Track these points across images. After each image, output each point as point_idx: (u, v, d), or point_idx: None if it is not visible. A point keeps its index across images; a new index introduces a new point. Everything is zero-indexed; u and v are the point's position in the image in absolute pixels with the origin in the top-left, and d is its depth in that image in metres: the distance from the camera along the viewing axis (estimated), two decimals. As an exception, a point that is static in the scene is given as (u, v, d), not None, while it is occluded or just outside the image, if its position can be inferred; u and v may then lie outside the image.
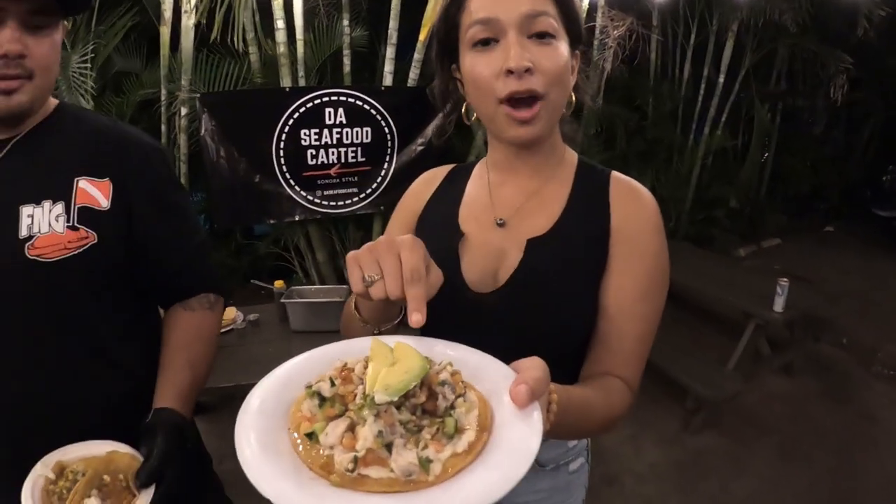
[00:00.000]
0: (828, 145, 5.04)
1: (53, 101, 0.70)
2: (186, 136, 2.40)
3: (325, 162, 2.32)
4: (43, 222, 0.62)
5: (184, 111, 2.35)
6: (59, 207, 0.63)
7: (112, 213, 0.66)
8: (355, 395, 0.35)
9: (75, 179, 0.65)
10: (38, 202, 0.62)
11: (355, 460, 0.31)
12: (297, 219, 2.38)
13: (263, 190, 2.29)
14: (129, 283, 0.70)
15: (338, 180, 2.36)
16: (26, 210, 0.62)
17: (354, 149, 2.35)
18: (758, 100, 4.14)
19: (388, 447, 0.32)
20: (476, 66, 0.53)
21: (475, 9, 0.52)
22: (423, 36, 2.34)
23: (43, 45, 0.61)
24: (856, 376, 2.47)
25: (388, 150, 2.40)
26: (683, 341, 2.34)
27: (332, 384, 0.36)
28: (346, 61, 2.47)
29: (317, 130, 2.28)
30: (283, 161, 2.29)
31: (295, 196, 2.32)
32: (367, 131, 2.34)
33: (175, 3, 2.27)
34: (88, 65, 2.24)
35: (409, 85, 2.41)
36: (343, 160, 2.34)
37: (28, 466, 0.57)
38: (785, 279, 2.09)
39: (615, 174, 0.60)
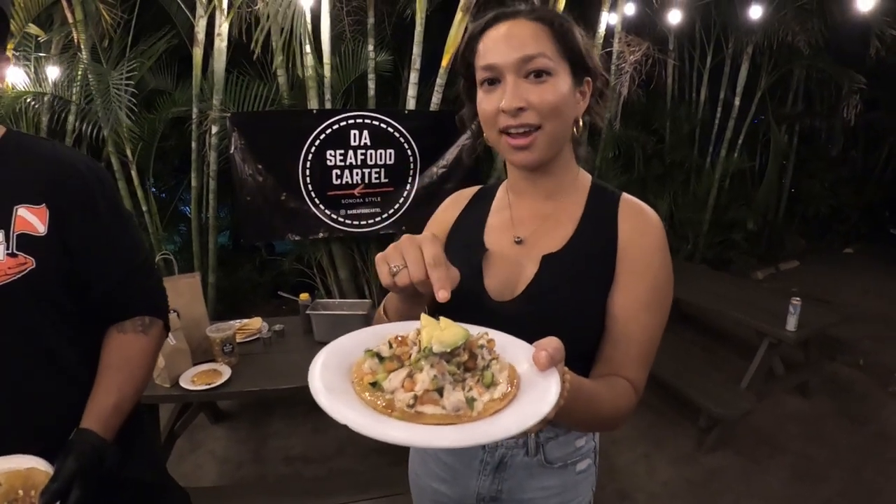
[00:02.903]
0: (845, 166, 5.13)
1: (0, 130, 0.74)
2: (216, 154, 2.58)
3: (350, 182, 2.49)
4: None
5: (214, 129, 2.54)
6: (0, 235, 0.67)
7: (48, 238, 0.70)
8: (410, 355, 0.46)
9: (14, 207, 0.69)
10: None
11: (415, 398, 0.41)
12: (320, 236, 2.54)
13: (289, 207, 2.45)
14: (69, 302, 0.74)
15: (361, 200, 2.53)
16: None
17: (378, 170, 2.52)
18: (774, 121, 4.28)
19: (439, 391, 0.42)
20: (482, 103, 0.64)
21: (481, 54, 0.63)
22: (445, 62, 2.52)
23: None
24: (873, 397, 2.53)
25: (411, 172, 2.57)
26: (698, 362, 2.43)
27: (391, 346, 0.47)
28: (371, 85, 2.66)
29: (342, 151, 2.46)
30: (308, 180, 2.46)
31: (319, 214, 2.49)
32: (390, 153, 2.51)
33: (208, 26, 2.47)
34: (130, 83, 2.44)
35: (431, 109, 2.58)
36: (367, 181, 2.51)
37: None
38: (797, 298, 2.17)
39: (625, 196, 0.69)
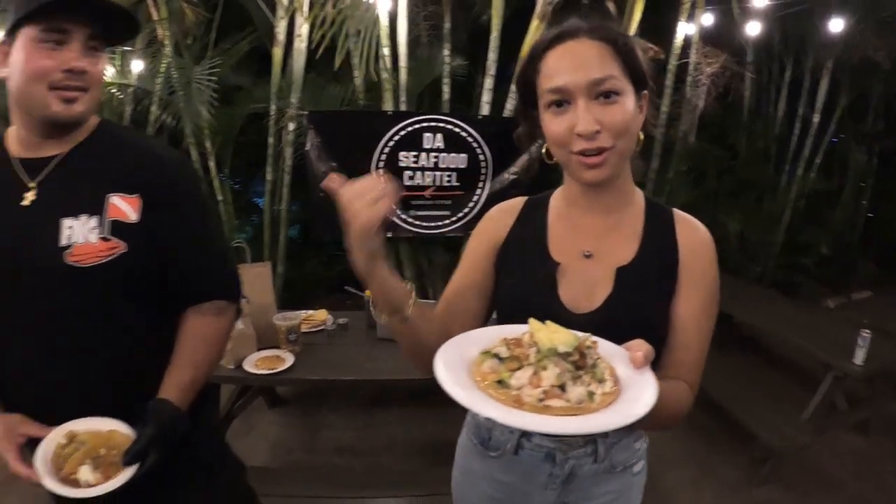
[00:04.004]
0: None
1: (95, 120, 0.82)
2: (292, 150, 2.68)
3: (421, 184, 2.54)
4: (80, 233, 0.74)
5: (291, 126, 2.64)
6: (94, 221, 0.75)
7: (140, 225, 0.77)
8: (528, 355, 0.51)
9: (107, 195, 0.76)
10: (76, 216, 0.75)
11: (544, 393, 0.47)
12: (388, 235, 2.59)
13: (360, 206, 2.51)
14: (154, 284, 0.81)
15: (431, 202, 2.57)
16: (66, 222, 0.74)
17: (450, 173, 2.55)
18: (853, 140, 4.07)
19: (561, 387, 0.48)
20: (551, 125, 0.65)
21: (548, 76, 0.63)
22: (519, 68, 2.54)
23: (97, 65, 0.75)
24: None
25: (482, 177, 2.59)
26: (757, 388, 2.36)
27: (508, 348, 0.53)
28: (446, 89, 2.70)
29: (415, 153, 2.51)
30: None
31: (388, 214, 2.53)
32: (462, 157, 2.54)
33: (288, 27, 2.59)
34: (213, 78, 2.58)
35: (505, 115, 2.60)
36: (438, 183, 2.55)
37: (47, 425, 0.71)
38: (867, 330, 2.05)
39: (676, 212, 0.74)
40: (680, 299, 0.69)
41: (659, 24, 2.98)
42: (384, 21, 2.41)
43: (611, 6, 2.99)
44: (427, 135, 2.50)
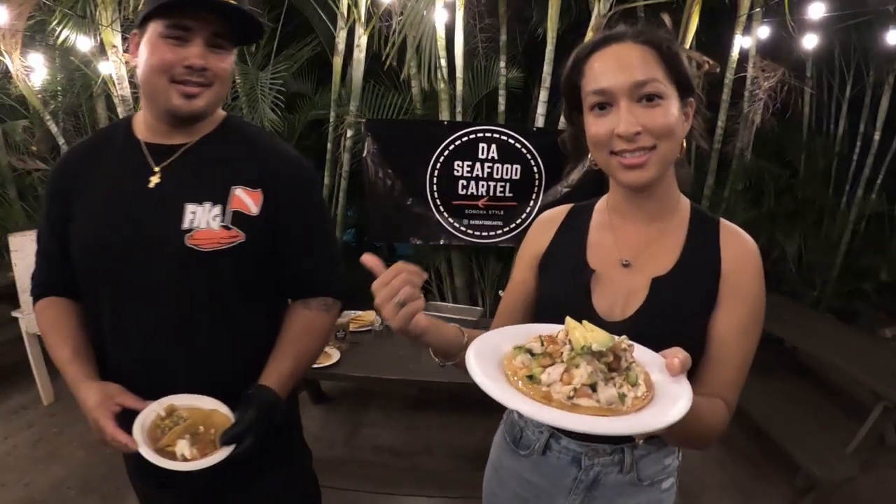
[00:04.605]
0: None
1: (222, 114, 0.86)
2: (349, 156, 2.78)
3: (475, 193, 2.59)
4: (202, 219, 0.77)
5: (349, 133, 2.74)
6: (217, 209, 0.78)
7: (260, 218, 0.80)
8: (562, 353, 0.50)
9: (232, 187, 0.79)
10: (200, 202, 0.78)
11: (574, 391, 0.46)
12: (441, 243, 2.66)
13: (414, 212, 2.59)
14: (264, 276, 0.84)
15: (484, 212, 2.61)
16: (190, 207, 0.77)
17: (503, 184, 2.59)
18: (917, 160, 3.88)
19: (592, 386, 0.47)
20: (592, 127, 0.66)
21: (592, 78, 0.65)
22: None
23: (221, 62, 0.77)
24: None
25: (535, 189, 2.62)
26: (805, 417, 2.28)
27: (542, 344, 0.52)
28: (501, 101, 2.75)
29: (469, 163, 2.56)
30: (435, 188, 2.59)
31: (442, 221, 2.60)
32: (516, 168, 2.57)
33: (348, 38, 2.69)
34: (277, 84, 2.71)
35: (559, 128, 2.63)
36: (491, 193, 2.60)
37: (151, 398, 0.74)
38: None
39: (723, 221, 0.72)
40: (720, 313, 0.67)
41: (715, 37, 2.95)
42: (441, 32, 2.49)
43: (666, 19, 2.98)
44: (482, 145, 2.55)
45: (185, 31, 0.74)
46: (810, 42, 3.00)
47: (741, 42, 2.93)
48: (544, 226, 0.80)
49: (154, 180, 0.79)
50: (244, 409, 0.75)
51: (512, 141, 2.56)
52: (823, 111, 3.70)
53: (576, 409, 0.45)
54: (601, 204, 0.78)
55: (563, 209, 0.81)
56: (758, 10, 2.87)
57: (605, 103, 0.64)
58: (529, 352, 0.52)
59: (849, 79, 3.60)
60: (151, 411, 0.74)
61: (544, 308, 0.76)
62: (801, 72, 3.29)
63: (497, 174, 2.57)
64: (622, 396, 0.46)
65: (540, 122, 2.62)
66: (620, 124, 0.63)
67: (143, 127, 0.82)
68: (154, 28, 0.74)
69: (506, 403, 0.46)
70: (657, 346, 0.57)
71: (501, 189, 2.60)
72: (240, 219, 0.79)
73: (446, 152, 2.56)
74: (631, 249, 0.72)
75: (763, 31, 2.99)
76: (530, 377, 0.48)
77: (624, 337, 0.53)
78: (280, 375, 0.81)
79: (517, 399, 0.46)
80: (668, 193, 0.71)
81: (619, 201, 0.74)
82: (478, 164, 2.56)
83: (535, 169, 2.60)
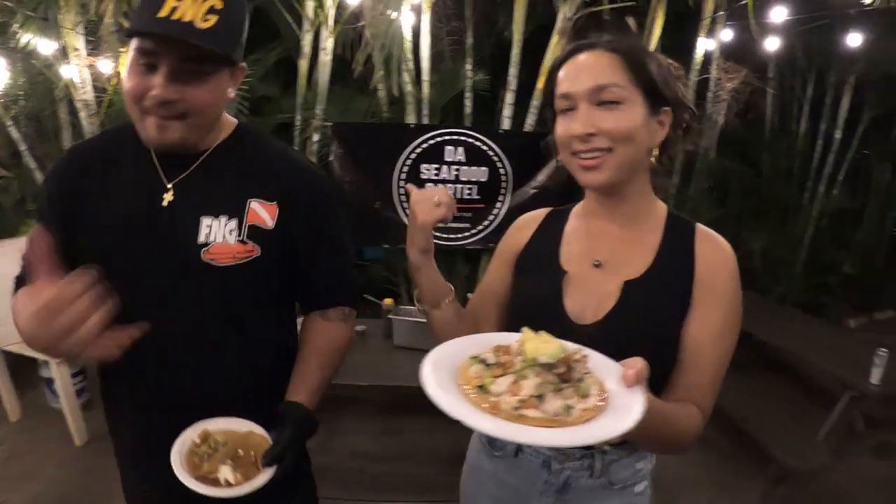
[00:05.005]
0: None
1: (233, 122, 0.82)
2: (316, 160, 2.75)
3: (442, 196, 2.58)
4: (218, 233, 0.75)
5: (316, 137, 2.72)
6: (233, 223, 0.76)
7: (275, 232, 0.78)
8: (514, 363, 0.51)
9: (248, 200, 0.77)
10: (216, 216, 0.76)
11: (520, 402, 0.47)
12: (408, 247, 2.63)
13: (382, 216, 2.57)
14: (279, 287, 0.83)
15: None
16: (206, 220, 0.75)
17: (471, 186, 2.60)
18: (876, 157, 4.02)
19: (540, 397, 0.47)
20: (558, 128, 0.69)
21: (560, 84, 0.69)
22: (540, 84, 2.58)
23: (196, 90, 0.69)
24: None
25: (503, 191, 2.63)
26: (776, 408, 2.33)
27: (496, 355, 0.53)
28: (468, 103, 2.76)
29: (436, 166, 2.56)
30: (402, 191, 2.58)
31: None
32: (483, 171, 2.58)
33: (314, 41, 2.68)
34: (242, 88, 2.67)
35: (526, 130, 2.65)
36: (459, 196, 2.60)
37: (178, 427, 0.71)
38: (884, 349, 2.03)
39: (699, 226, 0.72)
40: (694, 317, 0.67)
41: (680, 39, 3.01)
42: (408, 35, 2.49)
43: (631, 22, 3.03)
44: (449, 148, 2.55)
45: (151, 57, 0.67)
46: (773, 44, 3.09)
47: (705, 44, 3.00)
48: (522, 227, 0.83)
49: (167, 198, 0.76)
50: (280, 427, 0.74)
51: (479, 143, 2.57)
52: (786, 111, 3.80)
53: (522, 420, 0.46)
54: (578, 208, 0.79)
55: (542, 212, 0.83)
56: (721, 13, 2.94)
57: (569, 107, 0.68)
58: (483, 362, 0.52)
59: (810, 80, 3.71)
60: (186, 439, 0.71)
61: (517, 308, 0.77)
62: (763, 73, 3.38)
63: (464, 176, 2.57)
64: (568, 408, 0.47)
65: (506, 124, 2.64)
66: (574, 125, 0.66)
67: (131, 117, 0.77)
68: (132, 44, 0.69)
69: (451, 413, 0.46)
70: (628, 350, 0.57)
71: (469, 191, 2.60)
72: (256, 233, 0.77)
73: (413, 155, 2.55)
74: (604, 251, 0.73)
75: (726, 34, 3.06)
76: (481, 387, 0.49)
77: (580, 348, 0.54)
78: (309, 389, 0.80)
79: (462, 409, 0.46)
80: (639, 197, 0.72)
81: (592, 204, 0.76)
82: (445, 167, 2.56)
83: (502, 171, 2.61)
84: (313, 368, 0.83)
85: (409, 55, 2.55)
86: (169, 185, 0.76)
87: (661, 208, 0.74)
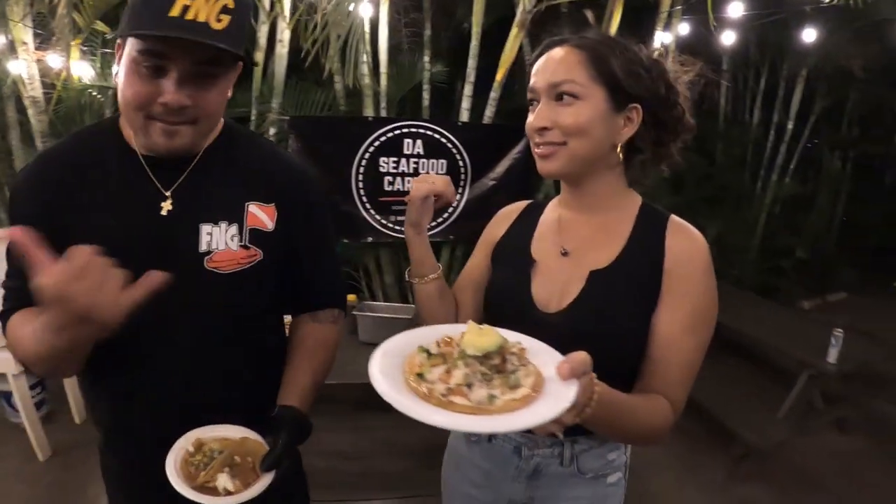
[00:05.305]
0: (901, 196, 5.03)
1: (221, 120, 0.79)
2: (272, 156, 2.70)
3: (401, 189, 2.57)
4: (220, 240, 0.74)
5: (272, 131, 2.66)
6: (234, 228, 0.75)
7: (275, 234, 0.77)
8: (453, 354, 0.54)
9: (246, 203, 0.76)
10: (215, 222, 0.74)
11: (448, 390, 0.50)
12: (369, 240, 2.62)
13: (341, 211, 2.54)
14: (281, 291, 0.82)
15: (411, 207, 2.60)
16: (205, 228, 0.73)
17: (430, 179, 2.59)
18: (827, 147, 4.21)
19: (469, 386, 0.50)
20: (527, 121, 0.73)
21: (531, 78, 0.72)
22: (499, 76, 2.59)
23: (208, 94, 0.67)
24: None
25: (462, 183, 2.63)
26: (737, 389, 2.44)
27: (438, 346, 0.56)
28: (426, 95, 2.74)
29: (395, 159, 2.54)
30: (361, 185, 2.55)
31: (370, 219, 2.57)
32: (442, 163, 2.58)
33: (270, 33, 2.62)
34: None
35: (484, 122, 2.66)
36: (418, 189, 2.59)
37: (174, 434, 0.70)
38: (839, 329, 2.13)
39: (673, 217, 0.72)
40: (662, 310, 0.67)
41: (637, 33, 3.07)
42: (366, 27, 2.46)
43: (589, 15, 3.07)
44: (407, 141, 2.54)
45: (160, 59, 0.63)
46: (728, 38, 3.18)
47: (661, 37, 3.06)
48: (502, 218, 0.86)
49: (166, 206, 0.72)
50: (276, 431, 0.72)
51: (437, 136, 2.57)
52: (739, 102, 3.94)
53: (450, 406, 0.48)
54: (555, 200, 0.82)
55: (522, 204, 0.87)
56: (678, 7, 3.01)
57: (533, 100, 0.72)
58: (427, 352, 0.55)
59: (763, 72, 3.84)
60: (179, 448, 0.69)
61: (489, 296, 0.80)
62: (717, 66, 3.48)
63: (423, 169, 2.56)
64: (491, 398, 0.49)
65: (465, 116, 2.64)
66: (534, 119, 0.70)
67: (129, 124, 0.72)
68: (131, 44, 0.64)
69: (383, 396, 0.49)
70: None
71: (428, 184, 2.60)
72: (257, 236, 0.76)
73: (371, 149, 2.53)
74: (572, 241, 0.74)
75: (683, 28, 3.13)
76: (420, 375, 0.52)
77: (519, 341, 0.56)
78: (302, 392, 0.79)
79: (392, 391, 0.49)
80: (607, 190, 0.73)
81: (565, 195, 0.78)
82: (403, 160, 2.55)
83: (461, 163, 2.61)
84: (304, 371, 0.81)
85: (367, 47, 2.52)
86: (167, 193, 0.73)
87: (635, 201, 0.75)
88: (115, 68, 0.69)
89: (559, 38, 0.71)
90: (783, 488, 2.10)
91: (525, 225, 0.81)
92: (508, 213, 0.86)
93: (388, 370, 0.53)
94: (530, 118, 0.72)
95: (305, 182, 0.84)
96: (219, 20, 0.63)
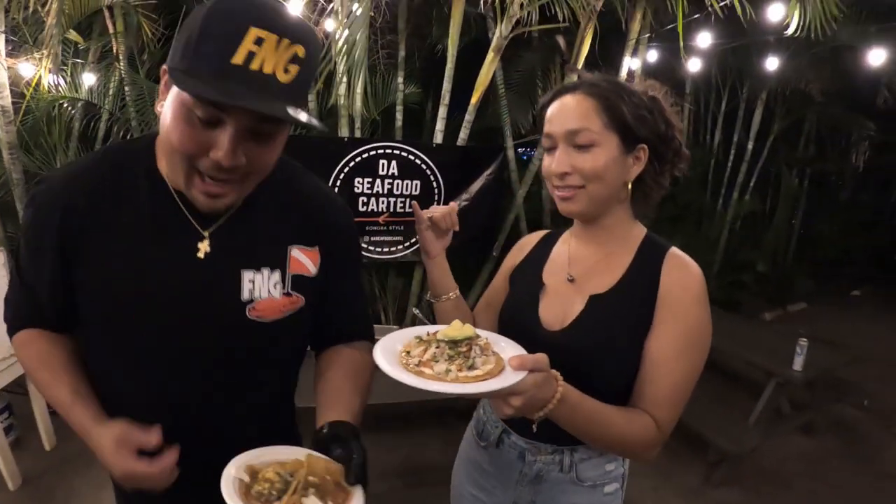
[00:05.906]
0: (855, 210, 5.28)
1: None
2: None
3: (375, 210, 2.60)
4: (263, 288, 0.70)
5: (246, 151, 2.66)
6: (277, 275, 0.70)
7: (317, 278, 0.74)
8: (434, 340, 0.67)
9: (288, 248, 0.71)
10: (257, 269, 0.69)
11: (420, 363, 0.64)
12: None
13: (315, 231, 2.56)
14: (314, 329, 0.80)
15: (385, 228, 2.63)
16: (247, 275, 0.69)
17: (403, 199, 2.63)
18: (785, 165, 4.45)
19: (436, 361, 0.63)
20: (544, 163, 0.80)
21: (546, 123, 0.78)
22: (474, 99, 2.66)
23: (263, 153, 0.61)
24: (876, 437, 2.64)
25: (435, 203, 2.69)
26: (708, 399, 2.49)
27: (427, 335, 0.69)
28: (399, 116, 2.79)
29: (370, 179, 2.57)
30: (335, 205, 2.58)
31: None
32: (416, 184, 2.62)
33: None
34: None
35: (458, 144, 2.72)
36: (392, 209, 2.62)
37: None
38: (804, 339, 2.25)
39: (673, 250, 0.78)
40: (654, 334, 0.72)
41: (606, 58, 3.20)
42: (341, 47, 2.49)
43: (561, 41, 3.19)
44: (382, 161, 2.58)
45: (216, 110, 0.55)
46: (693, 65, 3.35)
47: (629, 63, 3.20)
48: (522, 247, 0.95)
49: (203, 248, 0.67)
50: (344, 444, 0.64)
51: (412, 157, 2.62)
52: (700, 124, 4.13)
53: (419, 374, 0.62)
54: (567, 232, 0.89)
55: (541, 233, 0.95)
56: (646, 35, 3.16)
57: (551, 146, 0.77)
58: (419, 338, 0.68)
59: (724, 95, 4.05)
60: (233, 479, 0.58)
61: (504, 314, 0.88)
62: (681, 89, 3.66)
63: (397, 190, 2.61)
64: (447, 371, 0.62)
65: (438, 137, 2.69)
66: (554, 165, 0.75)
67: (170, 167, 0.64)
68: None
69: (378, 363, 0.62)
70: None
71: (402, 204, 2.64)
72: (300, 282, 0.72)
73: (346, 169, 2.56)
74: (578, 268, 0.81)
75: (651, 55, 3.29)
76: (408, 353, 0.67)
77: (486, 336, 0.67)
78: (352, 411, 0.71)
79: (384, 362, 0.63)
80: (615, 223, 0.79)
81: (576, 228, 0.86)
82: (378, 181, 2.58)
83: (435, 183, 2.67)
84: (352, 392, 0.75)
85: (343, 68, 2.55)
86: (206, 234, 0.67)
87: (640, 232, 0.81)
88: (158, 106, 0.62)
89: (570, 84, 0.77)
90: (756, 491, 2.21)
91: (540, 253, 0.89)
92: (528, 242, 0.95)
93: (386, 348, 0.67)
94: (547, 162, 0.78)
95: (344, 217, 0.79)
96: (287, 71, 0.55)
